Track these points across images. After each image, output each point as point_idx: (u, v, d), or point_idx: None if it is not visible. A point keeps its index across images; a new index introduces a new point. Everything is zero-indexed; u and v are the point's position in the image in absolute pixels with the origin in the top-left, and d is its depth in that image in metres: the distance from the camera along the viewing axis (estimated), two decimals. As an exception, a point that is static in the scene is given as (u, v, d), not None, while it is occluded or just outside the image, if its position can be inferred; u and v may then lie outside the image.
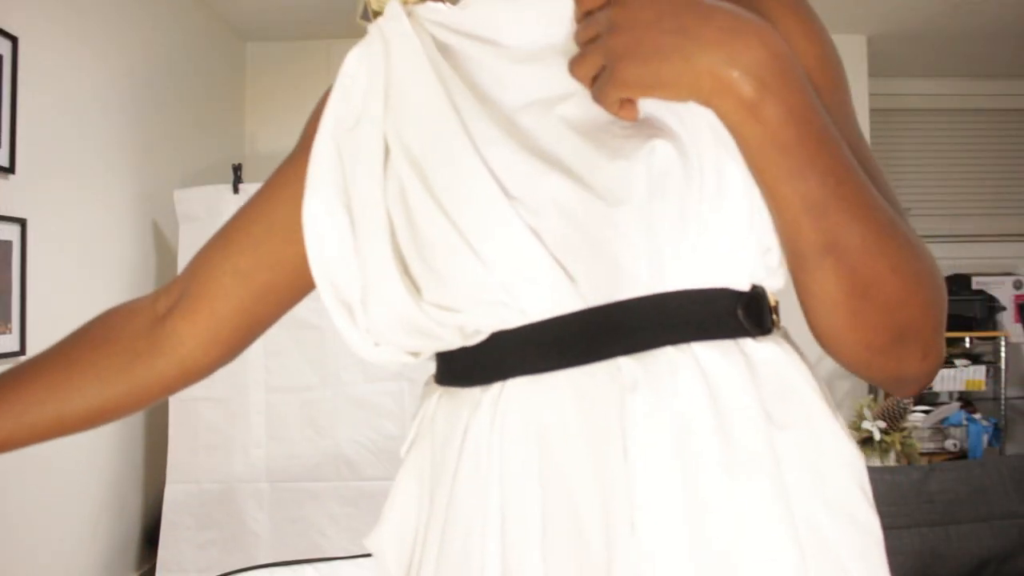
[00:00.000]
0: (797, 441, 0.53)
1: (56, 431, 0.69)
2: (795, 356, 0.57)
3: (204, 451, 2.23)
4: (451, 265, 0.55)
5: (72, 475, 1.99)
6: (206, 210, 2.30)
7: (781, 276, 0.57)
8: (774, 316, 0.58)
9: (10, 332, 1.74)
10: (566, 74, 0.56)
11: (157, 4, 2.48)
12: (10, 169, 1.73)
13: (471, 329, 0.56)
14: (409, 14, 0.63)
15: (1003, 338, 3.45)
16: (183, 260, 2.29)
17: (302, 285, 0.69)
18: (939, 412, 3.24)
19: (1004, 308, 3.55)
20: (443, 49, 0.60)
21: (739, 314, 0.55)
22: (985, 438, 3.20)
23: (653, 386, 0.52)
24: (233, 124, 3.15)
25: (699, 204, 0.52)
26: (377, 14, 0.67)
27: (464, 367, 0.59)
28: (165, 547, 2.19)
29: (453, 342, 0.58)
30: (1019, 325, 3.58)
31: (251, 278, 0.69)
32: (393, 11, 0.64)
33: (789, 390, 0.55)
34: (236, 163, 2.35)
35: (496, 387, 0.56)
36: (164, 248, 2.47)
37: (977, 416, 3.28)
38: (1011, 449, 3.55)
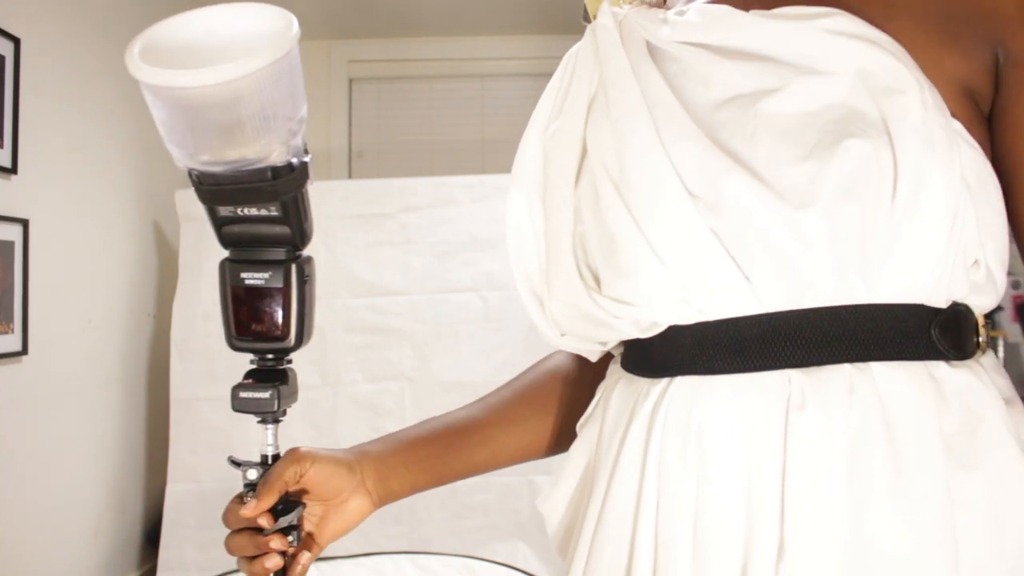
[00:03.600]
0: (980, 485, 0.49)
1: (516, 461, 0.77)
2: (994, 389, 0.52)
3: (205, 450, 2.23)
4: (630, 261, 0.55)
5: (74, 475, 2.00)
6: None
7: (991, 294, 0.53)
8: (978, 339, 0.53)
9: (12, 332, 1.74)
10: (775, 67, 0.54)
11: (158, 5, 2.49)
12: (12, 169, 1.74)
13: (647, 323, 0.57)
14: (621, 18, 0.63)
15: (1001, 338, 3.46)
16: (184, 260, 2.29)
17: None
18: None
19: (1002, 308, 3.55)
20: (653, 51, 0.60)
21: (933, 334, 0.51)
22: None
23: (823, 406, 0.49)
24: (234, 124, 3.14)
25: (892, 211, 0.49)
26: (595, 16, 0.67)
27: (641, 357, 0.60)
28: (166, 546, 2.19)
29: (629, 333, 0.59)
30: (1017, 325, 3.59)
31: None
32: (604, 14, 0.64)
33: (979, 427, 0.50)
34: (237, 163, 2.35)
35: (663, 382, 0.57)
36: (165, 248, 2.48)
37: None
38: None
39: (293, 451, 0.68)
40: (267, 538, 0.65)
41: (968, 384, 0.51)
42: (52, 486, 1.90)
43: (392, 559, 2.05)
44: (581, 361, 0.74)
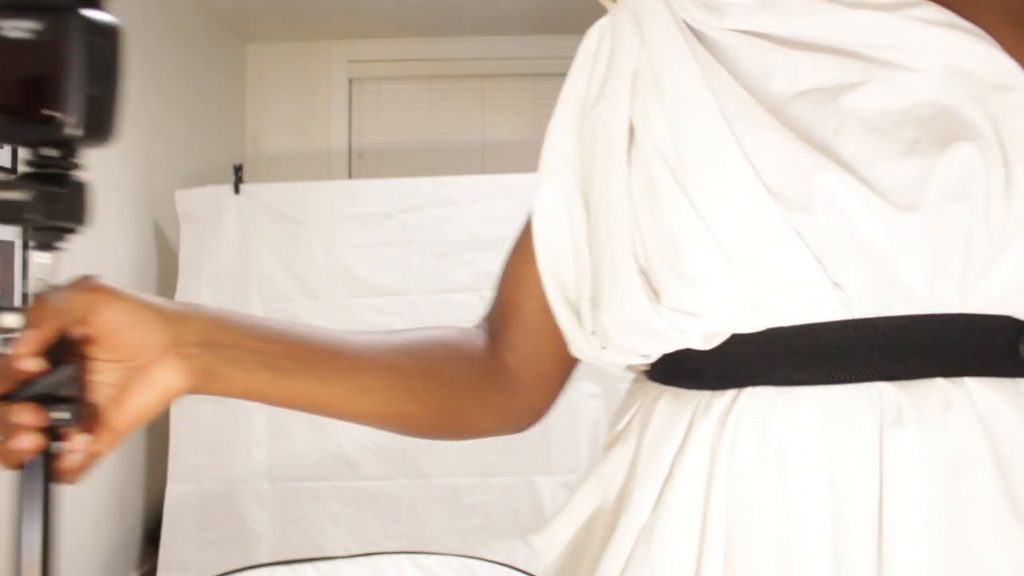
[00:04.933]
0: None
1: (370, 419, 0.59)
2: None
3: (205, 450, 2.23)
4: (697, 266, 0.49)
5: (74, 474, 2.00)
6: (207, 211, 2.31)
7: None
8: None
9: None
10: (852, 60, 0.49)
11: (158, 5, 2.49)
12: (12, 170, 1.74)
13: (712, 333, 0.51)
14: None
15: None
16: (184, 260, 2.30)
17: None
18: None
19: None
20: (700, 37, 0.54)
21: (1021, 349, 0.47)
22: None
23: (923, 423, 0.45)
24: (234, 125, 3.15)
25: (1002, 218, 0.45)
26: None
27: (695, 367, 0.53)
28: (166, 546, 2.19)
29: (690, 345, 0.52)
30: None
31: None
32: None
33: None
34: (237, 164, 2.36)
35: (731, 393, 0.50)
36: (165, 248, 2.48)
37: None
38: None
39: (86, 278, 0.52)
40: (14, 407, 0.43)
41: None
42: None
43: (392, 559, 2.05)
44: (485, 350, 0.64)
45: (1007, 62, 0.46)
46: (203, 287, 2.27)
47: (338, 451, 2.27)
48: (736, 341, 0.50)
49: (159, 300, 0.50)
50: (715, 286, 0.49)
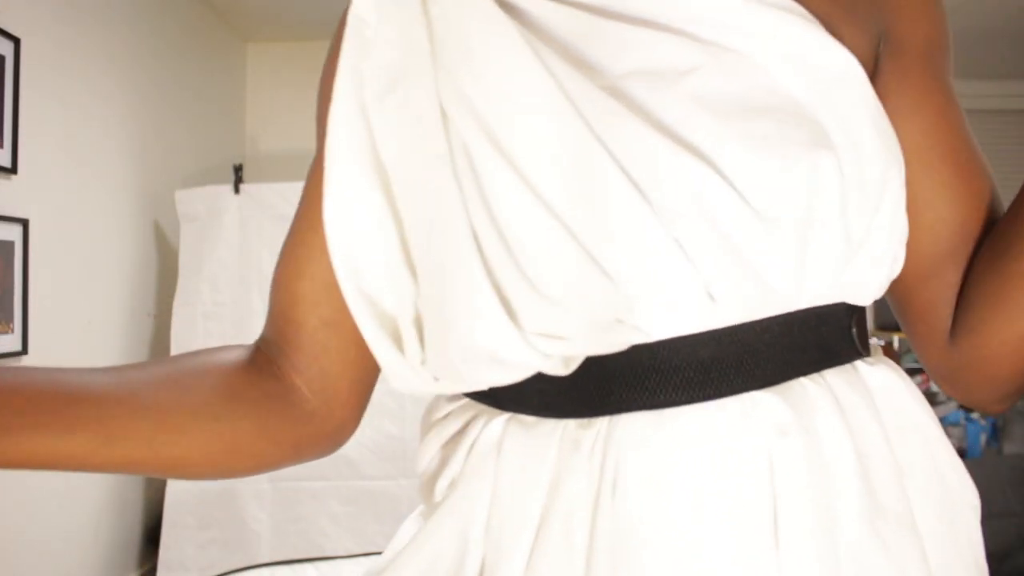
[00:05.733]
0: (924, 486, 0.46)
1: (146, 468, 0.50)
2: (908, 379, 0.49)
3: (205, 450, 2.23)
4: (564, 281, 0.42)
5: (74, 474, 2.00)
6: (207, 211, 2.31)
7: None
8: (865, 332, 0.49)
9: (12, 332, 1.74)
10: (682, 39, 0.44)
11: (158, 5, 2.49)
12: (12, 169, 1.74)
13: (577, 358, 0.45)
14: None
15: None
16: (184, 260, 2.30)
17: None
18: (937, 411, 3.25)
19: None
20: (504, 6, 0.46)
21: (853, 333, 0.47)
22: (983, 437, 3.21)
23: (803, 427, 0.43)
24: (234, 125, 3.15)
25: (855, 223, 0.44)
26: None
27: (546, 392, 0.46)
28: (166, 546, 2.19)
29: (550, 372, 0.45)
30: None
31: (341, 326, 0.54)
32: None
33: (909, 423, 0.47)
34: (237, 164, 2.36)
35: (601, 424, 0.44)
36: (165, 248, 2.48)
37: (975, 416, 3.29)
38: (1009, 449, 3.55)
39: None
40: None
41: (888, 380, 0.48)
42: (52, 486, 1.90)
43: (392, 559, 2.05)
44: (266, 373, 0.55)
45: (844, 53, 0.44)
46: (203, 287, 2.27)
47: (338, 451, 2.27)
48: (594, 360, 0.44)
49: None
50: (584, 303, 0.42)
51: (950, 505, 0.47)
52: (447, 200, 0.44)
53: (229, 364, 0.54)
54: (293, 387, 0.55)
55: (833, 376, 0.46)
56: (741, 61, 0.43)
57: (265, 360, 0.56)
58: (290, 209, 2.50)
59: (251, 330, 2.28)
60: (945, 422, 3.21)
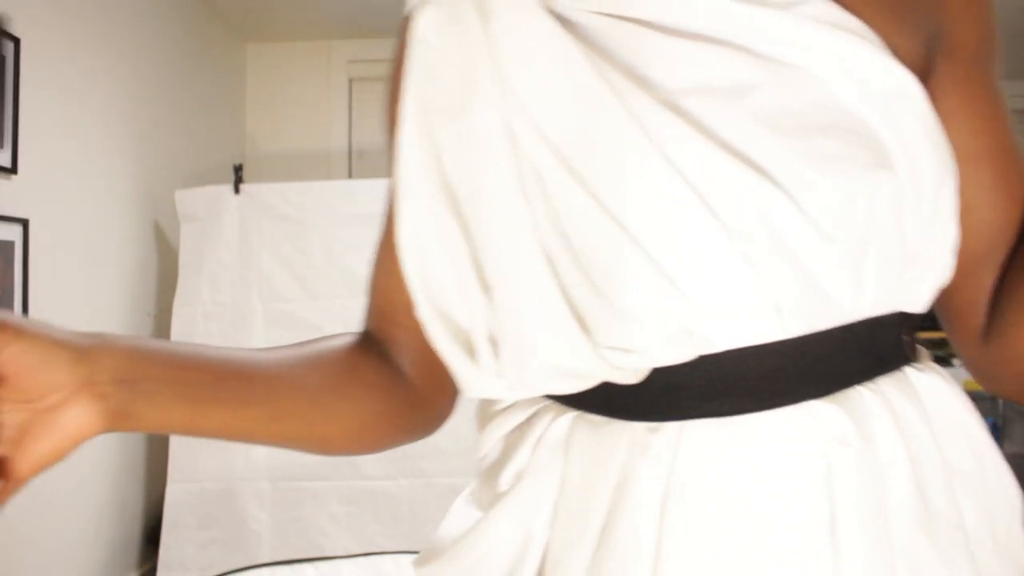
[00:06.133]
0: (970, 486, 0.47)
1: (286, 442, 0.55)
2: (955, 384, 0.50)
3: (205, 450, 2.23)
4: (638, 297, 0.44)
5: (74, 474, 2.00)
6: (207, 211, 2.31)
7: None
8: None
9: (12, 332, 1.75)
10: (739, 54, 0.44)
11: (158, 5, 2.49)
12: (12, 169, 1.74)
13: (647, 369, 0.47)
14: None
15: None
16: (184, 260, 2.30)
17: None
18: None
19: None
20: (564, 24, 0.47)
21: (904, 340, 0.48)
22: (984, 437, 3.21)
23: (863, 437, 0.44)
24: (234, 125, 3.15)
25: (911, 236, 0.45)
26: None
27: (616, 398, 0.48)
28: (166, 546, 2.19)
29: (621, 381, 0.47)
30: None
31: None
32: None
33: (956, 426, 0.48)
34: (237, 163, 2.36)
35: (671, 429, 0.46)
36: (166, 248, 2.48)
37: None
38: (1009, 448, 3.55)
39: None
40: None
41: (936, 385, 0.49)
42: (52, 486, 1.90)
43: (393, 559, 2.05)
44: (373, 358, 0.59)
45: (902, 71, 0.45)
46: (203, 287, 2.27)
47: (338, 451, 2.27)
48: (662, 370, 0.46)
49: (68, 334, 0.44)
50: (656, 318, 0.44)
51: (993, 506, 0.48)
52: (517, 222, 0.46)
53: (354, 350, 0.58)
54: (404, 374, 0.59)
55: (886, 383, 0.47)
56: (800, 76, 0.44)
57: (378, 350, 0.59)
58: (290, 209, 2.49)
59: (251, 330, 2.28)
60: (945, 422, 3.21)
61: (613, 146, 0.44)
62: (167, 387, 0.47)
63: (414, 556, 0.59)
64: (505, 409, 0.56)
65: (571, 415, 0.51)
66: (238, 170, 2.33)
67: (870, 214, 0.43)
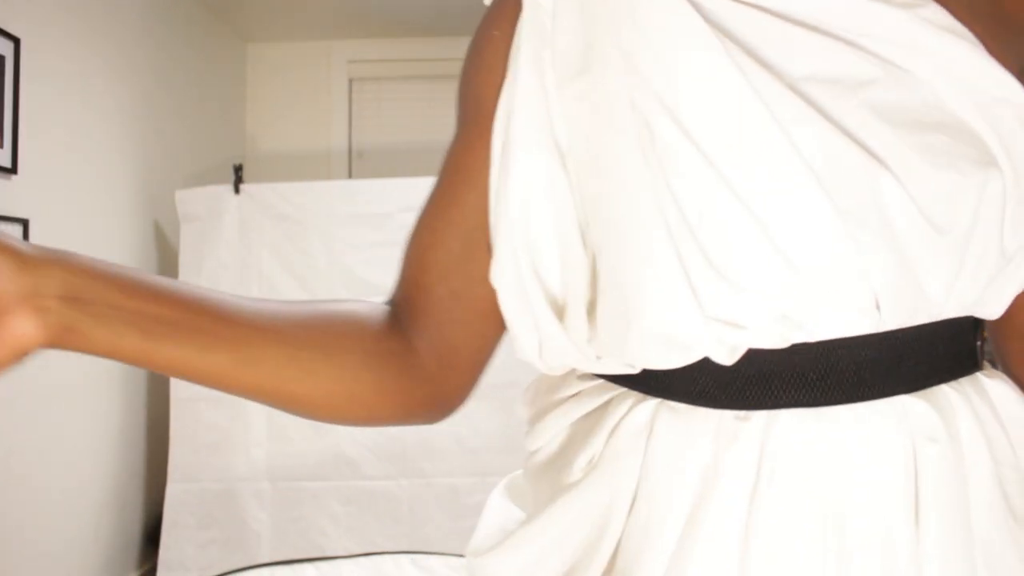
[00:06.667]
0: None
1: (270, 398, 0.52)
2: (1021, 392, 0.51)
3: (205, 450, 2.23)
4: (750, 268, 0.44)
5: (74, 474, 2.00)
6: (207, 210, 2.31)
7: None
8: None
9: (12, 332, 1.75)
10: (857, 51, 0.45)
11: (158, 5, 2.49)
12: (12, 169, 1.74)
13: (745, 347, 0.46)
14: None
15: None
16: (184, 260, 2.30)
17: None
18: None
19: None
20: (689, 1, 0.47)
21: (978, 346, 0.49)
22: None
23: (950, 435, 0.45)
24: (234, 125, 3.15)
25: (1010, 239, 0.46)
26: None
27: (703, 382, 0.48)
28: (166, 546, 2.20)
29: (717, 359, 0.47)
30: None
31: (470, 297, 0.56)
32: None
33: None
34: (237, 164, 2.36)
35: (760, 418, 0.46)
36: (166, 248, 2.48)
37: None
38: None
39: None
40: None
41: (1007, 393, 0.49)
42: (52, 486, 1.90)
43: (392, 559, 2.05)
44: (392, 331, 0.56)
45: (1006, 76, 0.46)
46: (203, 287, 2.27)
47: (338, 451, 2.27)
48: (755, 355, 0.46)
49: (20, 243, 0.43)
50: (768, 296, 0.44)
51: None
52: (635, 188, 0.46)
53: (360, 316, 0.56)
54: (414, 349, 0.56)
55: (967, 385, 0.48)
56: (911, 78, 0.45)
57: (393, 319, 0.57)
58: (290, 209, 2.49)
59: (251, 330, 2.28)
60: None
61: (736, 120, 0.44)
62: (121, 313, 0.45)
63: (458, 557, 0.59)
64: (573, 396, 0.55)
65: (654, 402, 0.49)
66: (238, 170, 2.33)
67: (978, 209, 0.44)
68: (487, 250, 0.54)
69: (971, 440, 0.46)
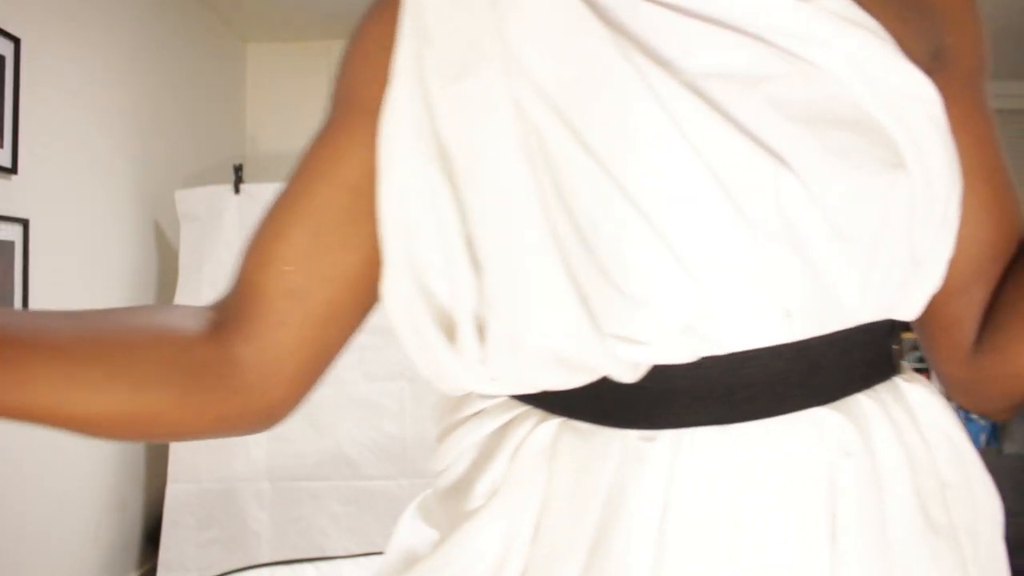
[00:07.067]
0: (959, 499, 0.46)
1: (50, 420, 0.45)
2: (941, 396, 0.49)
3: (205, 450, 2.23)
4: (649, 281, 0.41)
5: (74, 474, 2.00)
6: (207, 210, 2.31)
7: None
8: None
9: (12, 332, 1.75)
10: (757, 44, 0.42)
11: (158, 5, 2.49)
12: (12, 169, 1.74)
13: (647, 365, 0.43)
14: None
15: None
16: (184, 260, 2.30)
17: (369, 299, 0.52)
18: (938, 412, 3.25)
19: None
20: None
21: (893, 349, 0.47)
22: (983, 437, 3.22)
23: (865, 448, 0.43)
24: (234, 125, 3.15)
25: (920, 242, 0.44)
26: None
27: (605, 400, 0.44)
28: (166, 546, 2.19)
29: (618, 378, 0.43)
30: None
31: (310, 299, 0.51)
32: None
33: (946, 438, 0.47)
34: (237, 163, 2.36)
35: (668, 437, 0.43)
36: (165, 248, 2.48)
37: (975, 416, 3.29)
38: (1009, 448, 3.55)
39: None
40: None
41: (925, 398, 0.48)
42: (52, 486, 1.90)
43: (392, 559, 2.05)
44: (205, 338, 0.50)
45: (918, 74, 0.43)
46: (203, 287, 2.27)
47: (338, 451, 2.27)
48: (660, 371, 0.43)
49: None
50: (666, 305, 0.41)
51: (979, 518, 0.47)
52: (522, 195, 0.42)
53: (170, 324, 0.50)
54: (231, 359, 0.50)
55: (883, 392, 0.46)
56: (817, 72, 0.42)
57: (213, 326, 0.51)
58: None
59: (251, 330, 2.28)
60: (945, 422, 3.21)
61: (630, 122, 0.41)
62: None
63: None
64: (475, 415, 0.50)
65: (556, 421, 0.46)
66: (238, 170, 2.33)
67: (884, 214, 0.42)
68: (338, 249, 0.50)
69: (887, 451, 0.43)
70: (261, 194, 2.32)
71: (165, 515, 2.21)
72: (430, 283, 0.46)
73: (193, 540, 2.21)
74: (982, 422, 3.26)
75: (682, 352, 0.42)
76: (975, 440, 3.15)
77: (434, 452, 0.53)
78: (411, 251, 0.46)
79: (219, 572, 2.13)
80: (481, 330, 0.45)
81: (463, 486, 0.49)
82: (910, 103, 0.43)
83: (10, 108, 1.73)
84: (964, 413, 3.24)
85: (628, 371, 0.43)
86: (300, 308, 0.51)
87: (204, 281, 2.27)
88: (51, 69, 1.91)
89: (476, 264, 0.44)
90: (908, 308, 0.46)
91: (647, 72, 0.41)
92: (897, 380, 0.48)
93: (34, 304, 1.82)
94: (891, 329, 0.48)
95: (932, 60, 0.48)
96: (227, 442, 2.24)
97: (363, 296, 0.51)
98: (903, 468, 0.43)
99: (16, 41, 1.75)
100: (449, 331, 0.46)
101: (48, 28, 1.90)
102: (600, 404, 0.45)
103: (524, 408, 0.48)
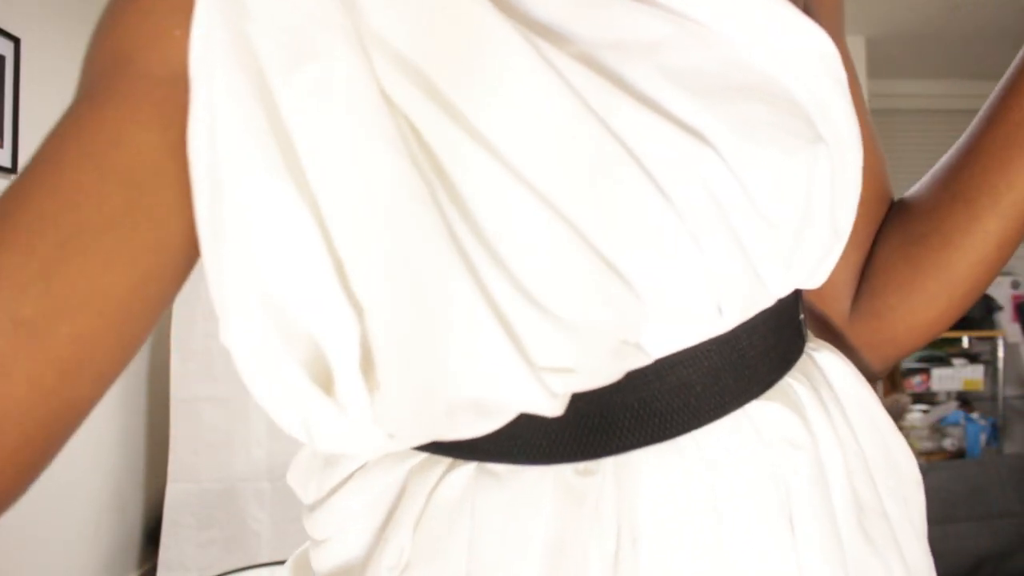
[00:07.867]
0: (881, 467, 0.44)
1: None
2: (847, 359, 0.46)
3: (205, 450, 2.23)
4: (579, 296, 0.32)
5: (74, 474, 2.00)
6: (207, 210, 2.31)
7: None
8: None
9: (12, 332, 1.75)
10: (656, 10, 0.36)
11: (158, 5, 2.49)
12: (12, 169, 1.74)
13: (571, 392, 0.35)
14: None
15: (1001, 338, 3.47)
16: (184, 260, 2.30)
17: (139, 334, 0.36)
18: (937, 411, 3.26)
19: (1001, 308, 3.57)
20: None
21: (801, 319, 0.44)
22: (983, 437, 3.22)
23: (810, 435, 0.40)
24: (233, 124, 3.15)
25: (840, 215, 0.40)
26: None
27: (530, 435, 0.37)
28: (166, 546, 2.20)
29: (545, 413, 0.34)
30: (1017, 325, 3.60)
31: (48, 335, 0.33)
32: None
33: (862, 407, 0.44)
34: (237, 163, 2.36)
35: (607, 467, 0.36)
36: (165, 248, 2.48)
37: (975, 416, 3.30)
38: (1009, 448, 3.56)
39: None
40: None
41: (836, 365, 0.44)
42: (52, 486, 1.90)
43: (392, 559, 2.05)
44: None
45: (821, 34, 0.38)
46: (203, 287, 2.27)
47: (338, 451, 2.27)
48: (585, 393, 0.35)
49: None
50: (604, 322, 0.33)
51: (902, 483, 0.44)
52: (406, 200, 0.32)
53: None
54: None
55: (805, 369, 0.42)
56: (706, 31, 0.36)
57: None
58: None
59: (251, 330, 2.28)
60: (945, 422, 3.21)
61: (532, 103, 0.33)
62: None
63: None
64: (358, 472, 0.41)
65: (470, 466, 0.37)
66: (238, 170, 2.33)
67: (809, 194, 0.37)
68: (98, 264, 0.33)
69: (823, 434, 0.40)
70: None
71: (165, 515, 2.21)
72: (295, 328, 0.34)
73: (193, 540, 2.21)
74: (982, 422, 3.26)
75: (611, 371, 0.35)
76: (974, 440, 3.16)
77: (307, 518, 0.43)
78: (264, 285, 0.33)
79: (219, 572, 2.13)
80: (368, 379, 0.33)
81: (358, 564, 0.40)
82: (811, 61, 0.37)
83: (10, 108, 1.73)
84: (965, 414, 3.24)
85: (557, 405, 0.34)
86: (29, 348, 0.33)
87: (204, 281, 2.26)
88: (51, 69, 1.91)
89: (354, 303, 0.33)
90: (819, 277, 0.41)
91: (539, 44, 0.33)
92: (808, 351, 0.44)
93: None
94: (797, 298, 0.44)
95: (804, 9, 0.44)
96: (227, 442, 2.25)
97: (130, 330, 0.35)
98: (837, 452, 0.40)
99: (16, 41, 1.75)
100: (325, 383, 0.34)
101: (48, 28, 1.90)
102: (518, 441, 0.37)
103: (423, 456, 0.39)
